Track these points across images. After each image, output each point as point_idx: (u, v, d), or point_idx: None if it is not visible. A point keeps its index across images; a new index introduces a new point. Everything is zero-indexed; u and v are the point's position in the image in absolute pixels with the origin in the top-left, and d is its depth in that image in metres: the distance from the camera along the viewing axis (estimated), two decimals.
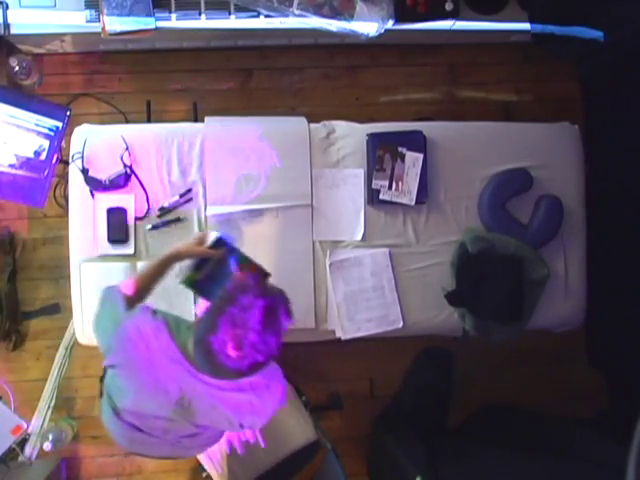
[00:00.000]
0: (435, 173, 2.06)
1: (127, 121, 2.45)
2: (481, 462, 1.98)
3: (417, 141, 2.03)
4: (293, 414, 2.01)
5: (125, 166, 1.94)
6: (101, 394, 1.54)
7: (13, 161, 1.91)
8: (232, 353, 1.20)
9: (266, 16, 2.09)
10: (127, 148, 1.94)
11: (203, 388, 1.35)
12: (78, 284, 1.93)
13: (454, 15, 2.18)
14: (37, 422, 2.34)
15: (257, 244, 1.99)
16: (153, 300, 1.57)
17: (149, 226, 1.96)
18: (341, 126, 2.08)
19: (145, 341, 1.36)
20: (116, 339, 1.39)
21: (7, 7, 2.03)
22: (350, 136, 2.06)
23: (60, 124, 2.14)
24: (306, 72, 2.61)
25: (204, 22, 2.10)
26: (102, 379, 1.53)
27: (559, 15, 2.23)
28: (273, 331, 1.26)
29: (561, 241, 2.09)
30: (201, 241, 1.58)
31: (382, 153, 2.01)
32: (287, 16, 2.06)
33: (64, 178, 2.22)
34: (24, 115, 2.03)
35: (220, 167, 1.98)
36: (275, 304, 1.27)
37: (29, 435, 2.31)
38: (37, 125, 2.02)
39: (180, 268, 1.64)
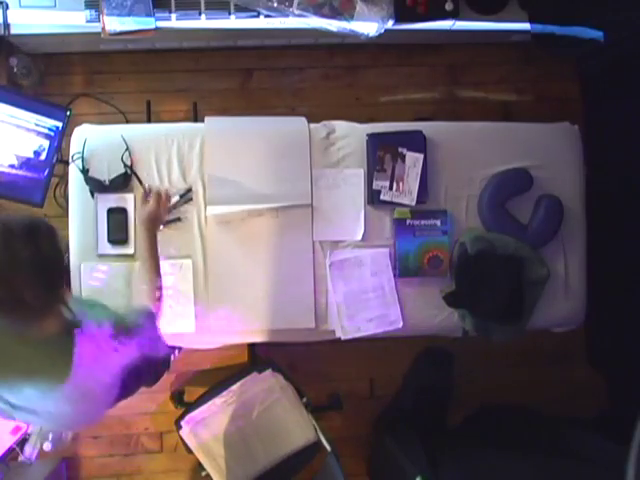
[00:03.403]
0: (435, 173, 2.06)
1: (127, 121, 2.45)
2: (481, 462, 1.98)
3: (417, 141, 2.03)
4: (293, 415, 2.01)
5: (125, 166, 1.94)
6: None
7: (13, 161, 1.91)
8: None
9: (266, 16, 2.09)
10: (127, 148, 1.94)
11: None
12: (78, 284, 1.93)
13: (454, 15, 2.18)
14: None
15: (257, 244, 1.99)
16: None
17: None
18: (341, 126, 2.08)
19: None
20: None
21: (7, 7, 2.03)
22: (350, 136, 2.06)
23: (60, 124, 2.13)
24: (306, 72, 2.61)
25: (204, 22, 2.10)
26: None
27: (559, 15, 2.23)
28: None
29: (561, 241, 2.09)
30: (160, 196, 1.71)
31: (382, 154, 2.02)
32: (287, 16, 2.06)
33: (64, 178, 2.22)
34: (24, 115, 2.02)
35: (220, 167, 1.98)
36: None
37: (29, 435, 2.31)
38: (37, 125, 2.01)
39: None
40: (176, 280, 1.95)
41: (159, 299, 1.57)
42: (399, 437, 2.21)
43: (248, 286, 1.98)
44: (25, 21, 2.06)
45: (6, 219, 1.18)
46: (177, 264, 1.96)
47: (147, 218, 1.68)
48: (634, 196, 2.30)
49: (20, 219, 1.19)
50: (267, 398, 2.02)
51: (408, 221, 2.03)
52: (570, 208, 2.08)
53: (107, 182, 1.93)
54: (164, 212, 1.76)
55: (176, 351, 2.31)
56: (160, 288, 1.59)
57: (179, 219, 1.97)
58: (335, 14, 2.05)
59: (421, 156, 2.02)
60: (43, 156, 2.10)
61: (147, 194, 1.80)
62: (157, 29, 2.06)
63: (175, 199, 1.96)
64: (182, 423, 2.01)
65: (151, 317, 1.50)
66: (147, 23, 2.02)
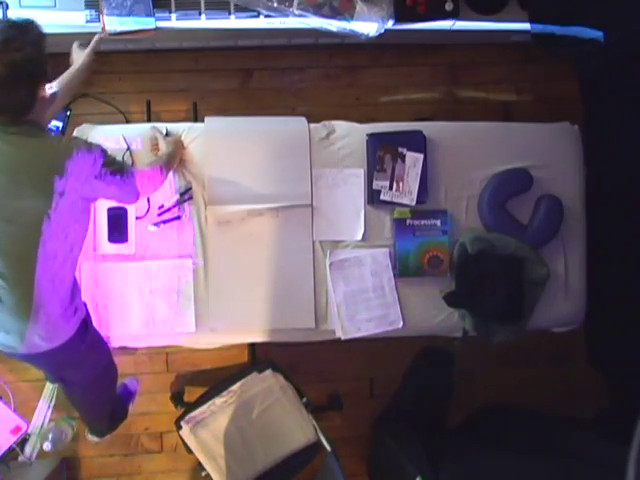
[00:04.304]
0: (435, 173, 2.06)
1: (127, 121, 2.45)
2: (481, 462, 1.98)
3: (417, 141, 2.03)
4: (293, 415, 2.01)
5: None
6: None
7: None
8: None
9: (266, 16, 2.09)
10: (128, 148, 1.94)
11: None
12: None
13: (454, 15, 2.18)
14: (37, 422, 2.34)
15: (257, 244, 1.99)
16: None
17: (150, 225, 1.96)
18: (341, 126, 2.08)
19: None
20: None
21: (7, 7, 2.03)
22: (350, 136, 2.06)
23: (60, 124, 2.14)
24: (306, 72, 2.61)
25: (204, 22, 2.10)
26: None
27: (559, 15, 2.23)
28: None
29: (561, 241, 2.09)
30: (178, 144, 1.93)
31: (382, 154, 2.02)
32: (287, 16, 2.06)
33: None
34: None
35: (220, 167, 1.98)
36: None
37: (29, 435, 2.31)
38: None
39: None
40: (176, 279, 1.95)
41: (153, 179, 1.72)
42: (399, 437, 2.21)
43: (248, 286, 1.98)
44: None
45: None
46: (177, 263, 1.96)
47: (174, 145, 1.90)
48: (634, 196, 2.30)
49: (11, 23, 1.42)
50: (267, 398, 2.02)
51: (408, 221, 2.03)
52: (570, 208, 2.08)
53: None
54: (180, 151, 1.95)
55: (130, 403, 2.34)
56: (161, 175, 1.76)
57: (179, 218, 1.97)
58: (335, 14, 2.05)
59: (421, 156, 2.02)
60: None
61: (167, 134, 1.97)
62: (157, 29, 2.06)
63: (175, 198, 1.96)
64: (182, 423, 2.01)
65: (136, 175, 1.64)
66: (147, 23, 2.02)
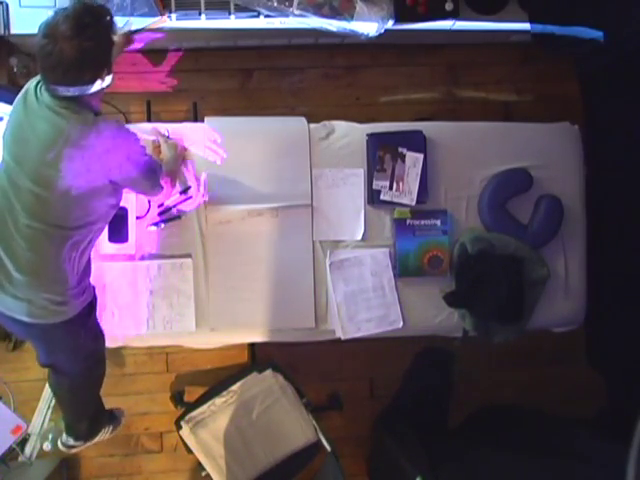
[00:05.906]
0: (435, 173, 2.06)
1: (127, 121, 2.44)
2: (481, 462, 1.98)
3: (417, 141, 2.03)
4: (293, 415, 2.01)
5: None
6: None
7: None
8: None
9: (266, 16, 2.09)
10: None
11: None
12: None
13: (454, 15, 2.18)
14: (37, 422, 2.33)
15: (257, 244, 1.99)
16: None
17: (150, 225, 1.96)
18: (341, 126, 2.08)
19: None
20: None
21: (7, 7, 2.03)
22: (350, 136, 2.06)
23: None
24: (306, 72, 2.61)
25: (204, 22, 2.10)
26: None
27: (559, 15, 2.23)
28: None
29: (561, 241, 2.09)
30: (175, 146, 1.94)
31: (382, 154, 2.02)
32: (287, 16, 2.06)
33: None
34: None
35: (220, 167, 1.98)
36: None
37: (29, 435, 2.31)
38: None
39: None
40: (176, 279, 1.96)
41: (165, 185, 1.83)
42: (399, 437, 2.21)
43: (248, 286, 1.98)
44: (25, 21, 2.06)
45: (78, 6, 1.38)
46: (177, 263, 1.96)
47: (175, 149, 1.92)
48: (634, 196, 2.30)
49: (87, 7, 1.39)
50: (267, 398, 2.02)
51: (408, 221, 2.03)
52: (570, 208, 2.08)
53: None
54: (182, 153, 1.98)
55: (114, 423, 2.16)
56: (171, 181, 1.90)
57: (180, 217, 1.97)
58: (335, 14, 2.05)
59: (421, 156, 2.02)
60: None
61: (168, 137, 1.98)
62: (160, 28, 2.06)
63: (175, 197, 1.96)
64: (182, 423, 2.01)
65: (154, 166, 1.70)
66: (152, 17, 1.99)
